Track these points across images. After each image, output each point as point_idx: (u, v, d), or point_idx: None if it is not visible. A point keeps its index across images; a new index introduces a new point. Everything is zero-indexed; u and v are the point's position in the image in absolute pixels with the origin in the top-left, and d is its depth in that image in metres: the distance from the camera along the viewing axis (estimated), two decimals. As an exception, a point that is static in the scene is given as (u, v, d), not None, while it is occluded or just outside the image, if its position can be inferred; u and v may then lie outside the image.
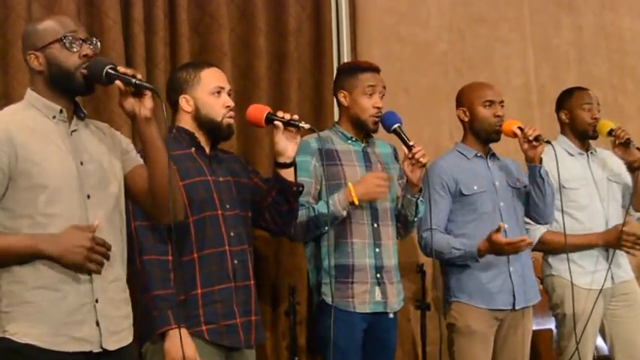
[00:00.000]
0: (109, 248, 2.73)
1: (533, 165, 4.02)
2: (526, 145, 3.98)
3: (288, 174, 3.42)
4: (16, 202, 2.69)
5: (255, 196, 3.51)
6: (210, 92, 3.42)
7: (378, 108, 3.82)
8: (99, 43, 2.84)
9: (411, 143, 3.71)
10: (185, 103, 3.42)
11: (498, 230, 3.86)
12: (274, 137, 3.40)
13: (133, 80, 2.68)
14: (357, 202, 3.67)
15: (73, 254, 2.66)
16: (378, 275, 3.79)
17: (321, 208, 3.69)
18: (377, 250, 3.80)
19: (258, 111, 3.45)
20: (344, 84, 3.89)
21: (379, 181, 3.69)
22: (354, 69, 3.93)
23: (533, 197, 4.09)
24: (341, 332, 3.68)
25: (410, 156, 3.71)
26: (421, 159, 3.69)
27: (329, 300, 3.73)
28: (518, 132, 3.99)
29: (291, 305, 4.27)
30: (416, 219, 3.87)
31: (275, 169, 3.45)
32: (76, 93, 2.82)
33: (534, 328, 4.20)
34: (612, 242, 4.24)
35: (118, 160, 2.92)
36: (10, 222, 2.69)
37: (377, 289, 3.79)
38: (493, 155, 4.17)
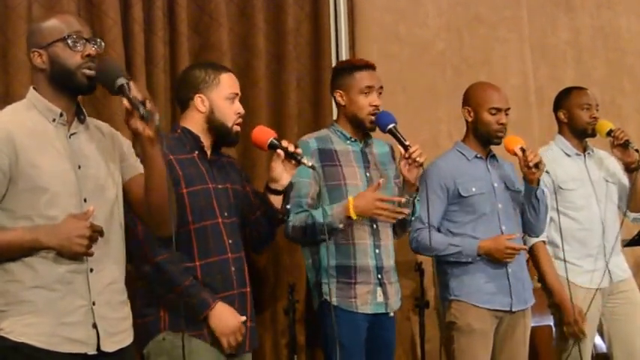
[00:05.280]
0: (102, 234, 2.74)
1: (530, 187, 4.02)
2: (525, 169, 3.98)
3: (276, 200, 3.44)
4: (16, 204, 2.70)
5: (244, 206, 3.53)
6: (226, 97, 3.43)
7: (376, 106, 3.82)
8: (103, 44, 2.86)
9: (407, 143, 3.69)
10: (200, 102, 3.41)
11: (509, 237, 3.94)
12: (272, 162, 3.42)
13: (141, 110, 2.65)
14: (354, 217, 3.67)
15: (73, 244, 2.66)
16: (380, 276, 3.80)
17: (319, 216, 3.66)
18: (377, 250, 3.80)
19: (264, 135, 3.44)
20: (340, 83, 3.89)
21: (381, 204, 3.65)
22: (350, 68, 3.91)
23: (527, 214, 4.10)
24: (345, 332, 3.69)
25: (407, 156, 3.71)
26: (418, 158, 3.67)
27: (332, 300, 3.74)
28: (520, 154, 3.96)
29: (291, 303, 4.28)
30: (412, 218, 3.87)
31: (265, 194, 3.46)
32: (78, 92, 2.83)
33: (533, 324, 4.21)
34: (567, 317, 4.19)
35: (116, 164, 2.93)
36: (10, 222, 2.70)
37: (379, 289, 3.79)
38: (493, 157, 4.18)
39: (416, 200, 3.82)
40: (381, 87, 3.87)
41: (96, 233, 2.69)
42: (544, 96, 5.21)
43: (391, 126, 3.75)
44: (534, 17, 5.50)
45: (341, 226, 3.69)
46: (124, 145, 2.99)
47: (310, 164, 3.41)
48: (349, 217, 3.66)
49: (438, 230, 4.05)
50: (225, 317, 3.26)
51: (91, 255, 2.71)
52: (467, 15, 5.33)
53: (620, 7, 5.72)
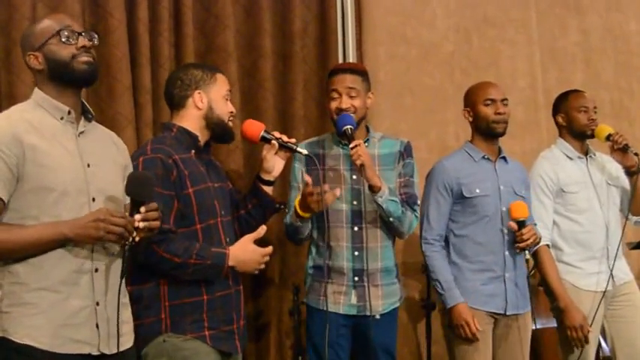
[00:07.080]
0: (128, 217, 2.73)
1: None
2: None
3: (268, 190, 3.55)
4: (23, 203, 2.71)
5: (232, 204, 3.56)
6: (223, 96, 3.46)
7: (341, 109, 3.78)
8: (96, 36, 2.87)
9: (351, 146, 3.66)
10: (199, 99, 3.42)
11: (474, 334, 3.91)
12: (265, 153, 3.50)
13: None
14: (304, 215, 3.69)
15: (89, 229, 2.66)
16: (356, 278, 3.80)
17: (288, 218, 3.81)
18: (356, 253, 3.81)
19: (255, 128, 3.52)
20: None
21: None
22: (328, 75, 3.94)
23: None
24: (316, 329, 3.78)
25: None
26: (356, 161, 3.63)
27: (305, 298, 3.90)
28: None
29: (295, 305, 4.28)
30: (392, 219, 3.79)
31: (258, 185, 3.53)
32: (79, 83, 2.84)
33: (539, 327, 4.17)
34: (571, 322, 4.14)
35: (121, 168, 2.96)
36: (17, 222, 2.71)
37: (353, 292, 3.80)
38: (503, 158, 4.15)
39: (389, 200, 3.74)
40: (351, 88, 3.80)
41: (115, 217, 2.68)
42: (552, 98, 5.16)
43: (345, 128, 3.71)
44: (543, 19, 5.48)
45: (299, 224, 3.74)
46: (126, 159, 3.04)
47: (305, 152, 3.52)
48: (300, 217, 3.70)
49: (446, 237, 4.04)
50: (244, 255, 3.28)
51: (112, 240, 2.71)
52: (475, 16, 5.31)
53: (630, 9, 5.70)
